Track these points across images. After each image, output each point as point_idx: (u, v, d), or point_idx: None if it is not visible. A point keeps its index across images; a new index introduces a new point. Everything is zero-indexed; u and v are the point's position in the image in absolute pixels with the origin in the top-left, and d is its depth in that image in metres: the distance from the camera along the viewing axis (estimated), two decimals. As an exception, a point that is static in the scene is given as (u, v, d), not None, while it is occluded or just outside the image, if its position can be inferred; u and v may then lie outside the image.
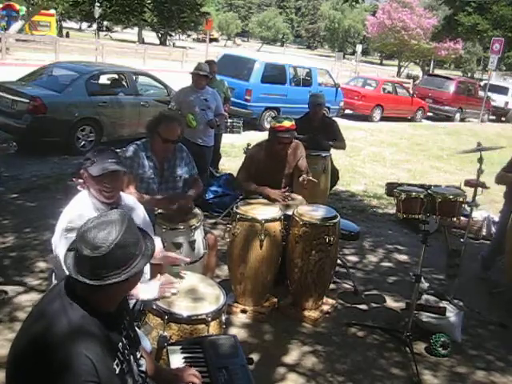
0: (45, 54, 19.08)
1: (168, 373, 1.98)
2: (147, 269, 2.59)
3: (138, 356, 1.83)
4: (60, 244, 2.49)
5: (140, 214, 2.87)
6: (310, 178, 4.19)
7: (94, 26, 32.16)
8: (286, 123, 4.08)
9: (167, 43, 38.00)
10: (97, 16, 26.48)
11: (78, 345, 1.51)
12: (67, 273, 1.68)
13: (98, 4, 25.93)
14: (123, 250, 1.61)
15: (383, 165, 9.79)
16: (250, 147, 4.99)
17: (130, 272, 1.63)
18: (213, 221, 5.51)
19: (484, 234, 6.13)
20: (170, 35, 40.89)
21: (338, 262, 4.21)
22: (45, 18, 25.96)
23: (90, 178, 2.56)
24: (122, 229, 1.62)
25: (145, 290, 2.38)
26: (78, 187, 2.67)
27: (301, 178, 4.17)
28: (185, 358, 2.06)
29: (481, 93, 19.97)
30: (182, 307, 2.43)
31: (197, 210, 3.48)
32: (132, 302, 2.54)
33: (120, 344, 1.68)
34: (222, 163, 7.47)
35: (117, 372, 1.61)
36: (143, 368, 1.85)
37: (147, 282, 2.48)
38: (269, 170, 4.17)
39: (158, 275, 2.55)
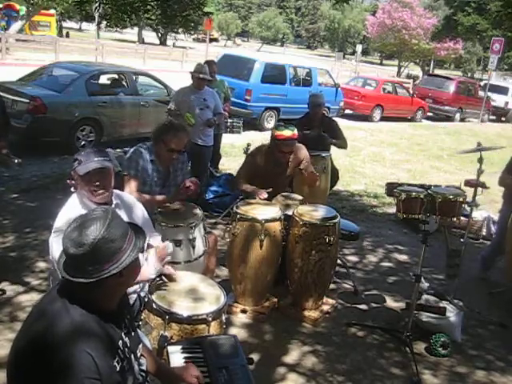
0: (45, 54, 19.07)
1: (170, 371, 1.98)
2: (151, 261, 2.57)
3: (139, 355, 1.83)
4: (53, 246, 2.50)
5: (139, 212, 2.88)
6: (312, 170, 4.14)
7: (95, 24, 32.09)
8: (287, 132, 3.97)
9: (169, 43, 37.91)
10: (96, 14, 26.42)
11: (79, 343, 1.51)
12: (60, 274, 1.68)
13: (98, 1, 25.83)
14: (108, 244, 1.60)
15: (383, 165, 9.79)
16: (249, 147, 4.99)
17: (119, 266, 1.61)
18: (213, 221, 5.51)
19: (484, 233, 6.13)
20: (177, 32, 40.65)
21: (338, 262, 4.21)
22: (45, 18, 25.98)
23: (80, 179, 2.55)
24: (106, 223, 1.61)
25: (146, 270, 2.37)
26: (72, 189, 2.67)
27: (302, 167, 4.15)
28: (185, 358, 2.06)
29: (481, 93, 19.97)
30: (183, 307, 2.43)
31: (196, 209, 3.48)
32: (132, 299, 2.54)
33: (120, 342, 1.68)
34: (222, 163, 7.47)
35: (117, 369, 1.61)
36: (144, 367, 1.86)
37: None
38: (269, 173, 4.15)
39: (150, 250, 2.56)
